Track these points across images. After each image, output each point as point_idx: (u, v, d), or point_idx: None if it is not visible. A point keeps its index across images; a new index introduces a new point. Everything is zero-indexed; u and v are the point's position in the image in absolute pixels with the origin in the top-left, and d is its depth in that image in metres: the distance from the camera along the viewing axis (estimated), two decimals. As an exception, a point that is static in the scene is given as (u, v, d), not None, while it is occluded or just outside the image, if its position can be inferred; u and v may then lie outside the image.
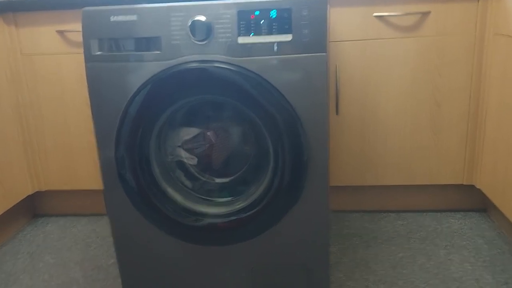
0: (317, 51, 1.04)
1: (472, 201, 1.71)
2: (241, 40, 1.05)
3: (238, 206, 1.17)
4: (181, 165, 1.27)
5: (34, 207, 1.90)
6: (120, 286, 1.37)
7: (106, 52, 1.09)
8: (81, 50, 1.61)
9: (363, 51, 1.54)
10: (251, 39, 1.05)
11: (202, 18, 1.04)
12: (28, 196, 1.80)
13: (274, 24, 1.04)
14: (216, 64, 1.06)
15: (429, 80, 1.54)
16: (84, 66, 1.11)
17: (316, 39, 1.04)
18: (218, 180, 1.28)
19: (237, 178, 1.28)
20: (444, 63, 1.52)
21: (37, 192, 1.81)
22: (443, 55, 1.52)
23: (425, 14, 1.48)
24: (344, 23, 1.52)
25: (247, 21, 1.04)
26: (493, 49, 1.45)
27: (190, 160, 1.26)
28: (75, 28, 1.59)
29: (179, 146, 1.25)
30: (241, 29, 1.04)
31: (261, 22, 1.04)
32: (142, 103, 1.09)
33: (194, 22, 1.04)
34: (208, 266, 1.23)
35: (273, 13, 1.03)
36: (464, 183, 1.63)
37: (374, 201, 1.76)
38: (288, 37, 1.04)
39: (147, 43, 1.07)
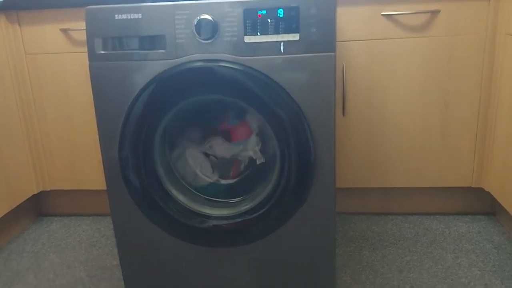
0: (325, 50, 1.02)
1: (481, 204, 1.69)
2: (248, 39, 1.03)
3: (244, 208, 1.16)
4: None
5: (39, 207, 1.90)
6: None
7: (110, 51, 1.08)
8: (86, 49, 1.60)
9: (371, 51, 1.51)
10: (258, 38, 1.03)
11: (207, 16, 1.03)
12: (33, 196, 1.79)
13: (281, 23, 1.02)
14: (222, 63, 1.04)
15: (438, 81, 1.52)
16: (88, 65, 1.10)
17: (324, 38, 1.02)
18: (223, 181, 1.27)
19: (243, 179, 1.26)
20: (454, 63, 1.50)
21: (42, 191, 1.81)
22: (453, 56, 1.49)
23: (435, 13, 1.46)
24: (351, 23, 1.49)
25: (254, 20, 1.02)
26: (504, 50, 1.42)
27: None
28: (79, 26, 1.59)
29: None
30: (248, 28, 1.03)
31: (268, 21, 1.02)
32: (147, 102, 1.08)
33: (199, 20, 1.03)
34: (213, 268, 1.21)
35: (280, 12, 1.02)
36: (473, 186, 1.60)
37: (381, 204, 1.74)
38: (295, 37, 1.02)
39: (151, 42, 1.06)
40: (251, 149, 1.22)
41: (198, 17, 1.03)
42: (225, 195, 1.23)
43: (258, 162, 1.21)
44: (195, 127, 1.27)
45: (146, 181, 1.14)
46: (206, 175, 1.26)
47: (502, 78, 1.44)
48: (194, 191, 1.22)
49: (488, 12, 1.44)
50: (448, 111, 1.54)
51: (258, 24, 1.02)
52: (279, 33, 1.02)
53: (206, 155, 1.28)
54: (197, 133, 1.27)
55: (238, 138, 1.23)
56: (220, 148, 1.25)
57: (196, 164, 1.25)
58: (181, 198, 1.17)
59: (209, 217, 1.16)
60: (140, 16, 1.05)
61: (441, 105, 1.54)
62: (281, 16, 1.02)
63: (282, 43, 1.03)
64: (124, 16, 1.05)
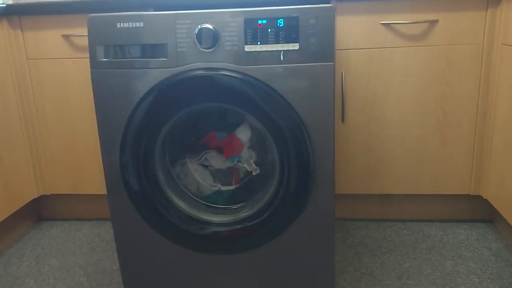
0: (324, 60, 1.04)
1: (479, 211, 1.69)
2: (248, 48, 1.05)
3: (243, 215, 1.17)
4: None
5: (39, 211, 1.90)
6: (123, 292, 1.37)
7: (112, 58, 1.09)
8: (87, 54, 1.61)
9: (370, 59, 1.53)
10: (258, 47, 1.04)
11: (208, 25, 1.04)
12: (33, 200, 1.80)
13: (281, 32, 1.03)
14: (223, 72, 1.05)
15: (436, 89, 1.53)
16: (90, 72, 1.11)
17: (323, 48, 1.03)
18: (224, 188, 1.28)
19: (244, 186, 1.27)
20: (452, 72, 1.51)
21: (42, 196, 1.81)
22: (451, 64, 1.50)
23: (433, 22, 1.47)
24: (351, 31, 1.51)
25: (254, 30, 1.04)
26: (501, 59, 1.43)
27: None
28: (80, 32, 1.60)
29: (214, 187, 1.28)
30: (248, 37, 1.04)
31: (268, 31, 1.04)
32: (148, 109, 1.09)
33: (200, 29, 1.04)
34: (212, 274, 1.22)
35: (280, 22, 1.03)
36: (471, 193, 1.61)
37: (380, 210, 1.75)
38: (295, 46, 1.03)
39: (153, 50, 1.07)
40: (245, 162, 1.23)
41: (199, 26, 1.04)
42: (226, 202, 1.24)
43: (254, 173, 1.23)
44: (191, 139, 1.28)
45: (146, 186, 1.15)
46: (209, 184, 1.27)
47: (499, 87, 1.45)
48: (195, 198, 1.23)
49: (485, 22, 1.45)
50: (446, 118, 1.55)
51: (259, 33, 1.04)
52: (279, 43, 1.04)
53: (204, 166, 1.29)
54: (193, 145, 1.28)
55: (231, 153, 1.24)
56: (216, 160, 1.26)
57: (197, 175, 1.27)
58: (181, 204, 1.18)
59: (209, 223, 1.17)
60: (141, 25, 1.06)
61: (439, 113, 1.55)
62: (281, 25, 1.03)
63: (282, 52, 1.04)
64: (126, 25, 1.07)
